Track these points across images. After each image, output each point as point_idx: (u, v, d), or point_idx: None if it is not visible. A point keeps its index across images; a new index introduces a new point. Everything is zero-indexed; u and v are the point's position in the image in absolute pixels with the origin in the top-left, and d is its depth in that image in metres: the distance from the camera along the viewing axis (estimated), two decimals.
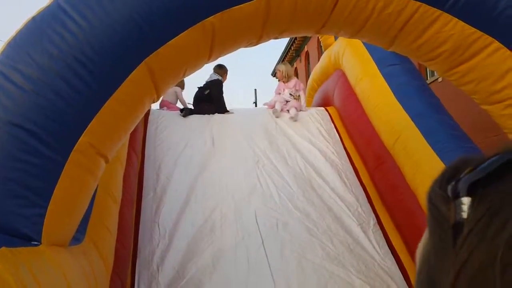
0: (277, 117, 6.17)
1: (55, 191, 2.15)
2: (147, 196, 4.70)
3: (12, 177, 2.05)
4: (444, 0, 2.72)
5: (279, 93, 6.75)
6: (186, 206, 4.58)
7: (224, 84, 6.69)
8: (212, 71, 6.66)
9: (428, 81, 9.67)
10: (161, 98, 6.75)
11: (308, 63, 21.53)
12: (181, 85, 7.22)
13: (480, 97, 3.10)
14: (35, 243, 2.12)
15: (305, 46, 21.74)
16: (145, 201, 4.64)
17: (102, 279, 2.88)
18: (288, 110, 6.37)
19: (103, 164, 2.48)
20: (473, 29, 2.76)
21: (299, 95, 6.70)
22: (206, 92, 6.41)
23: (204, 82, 6.61)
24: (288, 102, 6.54)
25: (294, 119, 6.17)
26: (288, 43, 23.31)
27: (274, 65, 27.68)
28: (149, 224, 4.35)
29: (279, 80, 7.07)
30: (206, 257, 4.02)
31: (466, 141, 4.20)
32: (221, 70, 6.62)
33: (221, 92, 6.53)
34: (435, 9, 2.75)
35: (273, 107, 6.42)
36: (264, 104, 7.03)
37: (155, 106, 6.74)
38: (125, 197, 4.05)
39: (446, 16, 2.76)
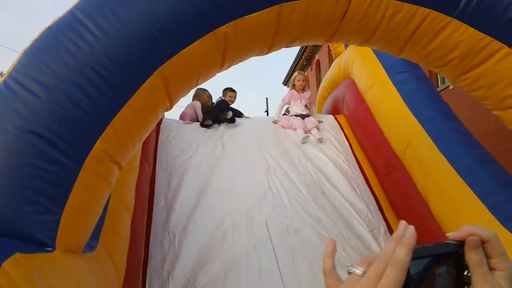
0: (303, 143, 5.75)
1: (69, 197, 2.17)
2: (158, 203, 4.73)
3: (27, 183, 2.08)
4: (454, 6, 2.73)
5: (293, 103, 6.43)
6: (197, 213, 4.60)
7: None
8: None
9: (439, 89, 9.66)
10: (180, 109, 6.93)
11: (319, 71, 21.58)
12: (203, 100, 7.26)
13: (491, 102, 3.09)
14: (49, 249, 2.14)
15: (316, 55, 21.82)
16: (157, 209, 4.66)
17: (114, 286, 2.90)
18: (309, 131, 5.99)
19: (116, 171, 2.51)
20: (483, 35, 2.76)
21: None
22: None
23: None
24: (305, 118, 6.18)
25: (321, 140, 5.83)
26: (299, 52, 23.41)
27: (285, 74, 27.76)
28: (160, 231, 4.37)
29: (294, 89, 6.57)
30: (217, 265, 4.01)
31: (477, 147, 4.18)
32: (224, 91, 7.17)
33: (229, 106, 6.79)
34: (444, 15, 2.76)
35: (288, 125, 6.08)
36: (274, 122, 6.41)
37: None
38: (137, 205, 4.08)
39: (455, 23, 2.77)
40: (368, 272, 0.63)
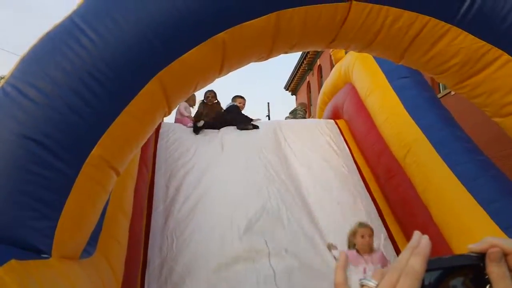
0: None
1: (66, 203, 2.16)
2: (157, 208, 4.73)
3: (24, 189, 2.07)
4: (453, 14, 2.72)
5: (354, 270, 3.64)
6: (195, 219, 4.59)
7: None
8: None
9: (441, 94, 9.64)
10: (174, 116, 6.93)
11: (321, 76, 21.57)
12: (192, 102, 7.26)
13: (491, 109, 3.08)
14: (45, 256, 2.13)
15: (318, 60, 21.81)
16: (155, 213, 4.66)
17: None
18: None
19: (114, 177, 2.50)
20: (483, 42, 2.76)
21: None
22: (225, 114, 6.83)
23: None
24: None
25: None
26: (301, 57, 23.43)
27: (287, 78, 27.80)
28: (159, 236, 4.37)
29: (355, 249, 3.81)
30: (215, 272, 4.00)
31: (478, 153, 4.17)
32: (233, 98, 7.23)
33: (239, 112, 6.89)
34: (444, 23, 2.76)
35: None
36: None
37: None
38: (135, 210, 4.07)
39: (455, 30, 2.77)
40: (381, 284, 0.60)
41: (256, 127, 6.33)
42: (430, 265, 0.60)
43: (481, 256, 0.61)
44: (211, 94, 7.23)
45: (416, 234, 0.65)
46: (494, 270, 0.60)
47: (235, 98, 7.21)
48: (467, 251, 0.63)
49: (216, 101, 7.28)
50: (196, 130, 6.15)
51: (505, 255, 0.61)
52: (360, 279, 0.62)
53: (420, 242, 0.62)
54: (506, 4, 2.67)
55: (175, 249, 4.20)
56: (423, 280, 0.58)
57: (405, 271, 0.59)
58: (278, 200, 4.93)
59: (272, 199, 4.93)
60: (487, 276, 0.60)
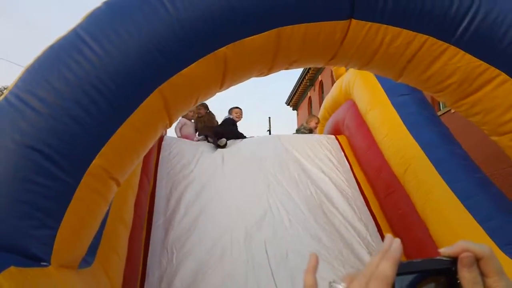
0: None
1: (66, 213, 2.18)
2: (157, 220, 4.72)
3: (24, 198, 2.09)
4: (451, 33, 2.76)
5: None
6: (196, 231, 4.59)
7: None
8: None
9: (441, 112, 9.67)
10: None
11: (322, 92, 21.65)
12: (188, 116, 7.28)
13: (488, 128, 3.11)
14: (44, 264, 2.14)
15: (319, 75, 21.90)
16: (155, 226, 4.66)
17: None
18: None
19: (114, 187, 2.52)
20: (480, 62, 2.79)
21: None
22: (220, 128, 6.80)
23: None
24: None
25: None
26: (303, 72, 23.54)
27: (288, 94, 27.89)
28: (159, 249, 4.36)
29: None
30: (215, 285, 3.99)
31: (476, 171, 4.19)
32: (230, 110, 7.23)
33: (231, 126, 6.88)
34: (442, 42, 2.79)
35: None
36: None
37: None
38: (135, 222, 4.08)
39: (453, 49, 2.80)
40: (350, 287, 0.59)
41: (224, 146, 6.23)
42: (401, 269, 0.59)
43: (453, 260, 0.61)
44: (197, 107, 7.24)
45: (388, 238, 0.65)
46: (466, 275, 0.59)
47: (231, 109, 7.20)
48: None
49: (207, 111, 7.26)
50: (219, 147, 6.16)
51: (477, 260, 0.60)
52: (330, 282, 0.62)
53: (391, 246, 0.62)
54: (503, 24, 2.70)
55: (175, 263, 4.19)
56: (393, 285, 0.58)
57: (375, 275, 0.58)
58: (280, 207, 4.96)
59: (273, 207, 4.95)
60: (459, 281, 0.59)
